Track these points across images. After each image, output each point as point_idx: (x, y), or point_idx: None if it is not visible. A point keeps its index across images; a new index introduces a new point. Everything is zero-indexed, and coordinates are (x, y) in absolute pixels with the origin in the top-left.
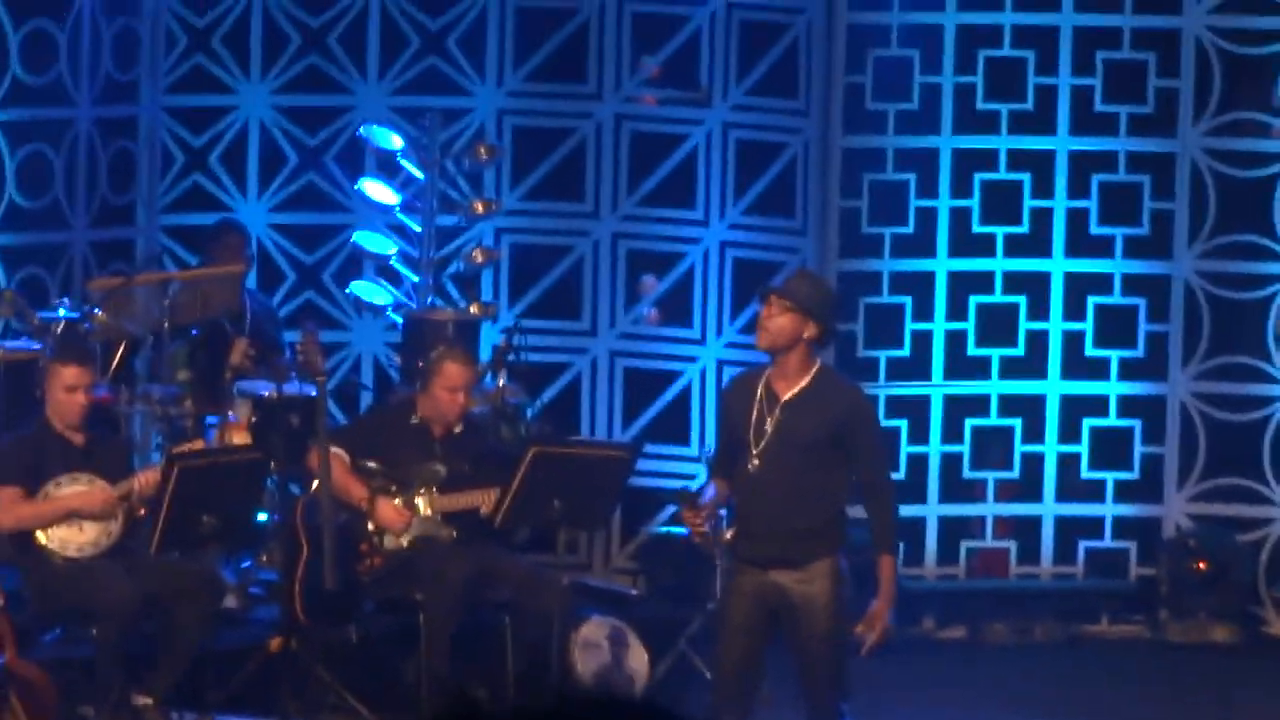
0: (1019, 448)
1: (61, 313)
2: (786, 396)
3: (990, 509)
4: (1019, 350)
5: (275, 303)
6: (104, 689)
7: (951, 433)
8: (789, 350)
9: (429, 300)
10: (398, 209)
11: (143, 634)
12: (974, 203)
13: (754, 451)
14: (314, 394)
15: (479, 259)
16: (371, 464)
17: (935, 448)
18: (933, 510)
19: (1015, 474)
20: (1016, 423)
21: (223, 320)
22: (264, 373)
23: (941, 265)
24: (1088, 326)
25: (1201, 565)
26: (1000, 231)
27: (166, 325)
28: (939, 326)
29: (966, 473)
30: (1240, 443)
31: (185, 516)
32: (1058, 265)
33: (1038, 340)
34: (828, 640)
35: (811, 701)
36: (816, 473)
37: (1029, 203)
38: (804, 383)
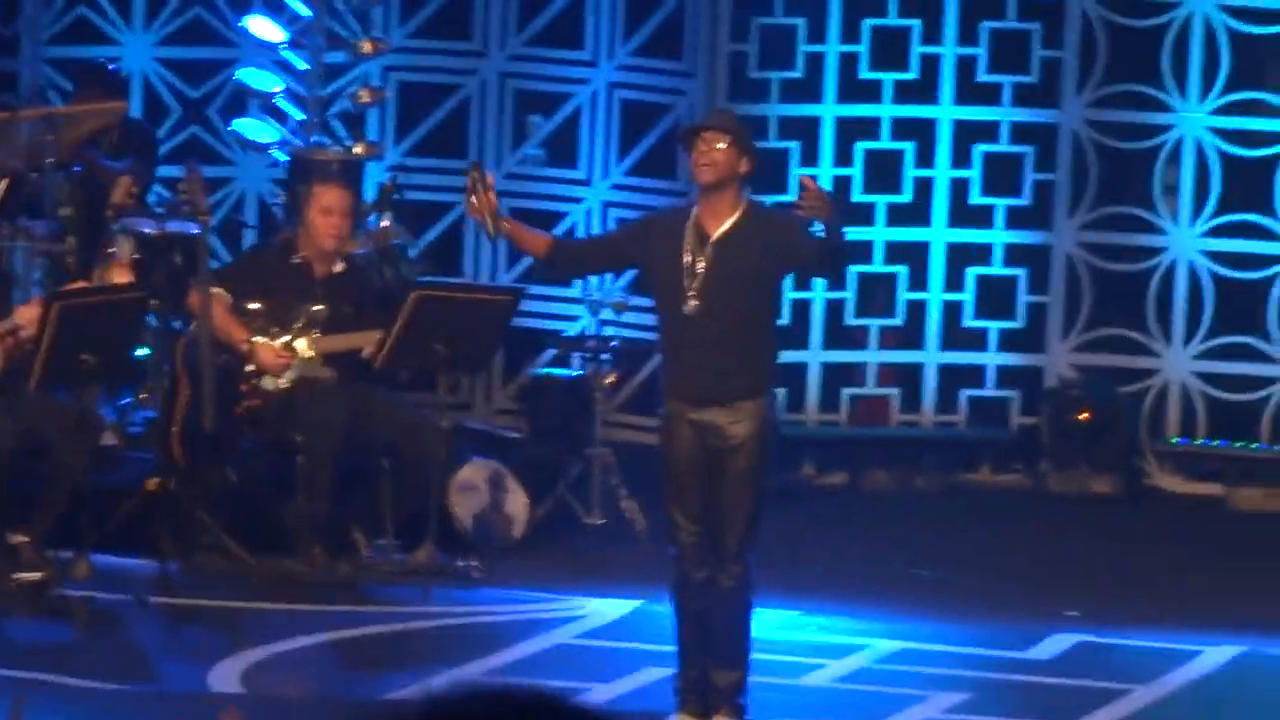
0: (903, 295)
1: None
2: (717, 234)
3: (873, 356)
4: (905, 197)
5: (159, 138)
6: None
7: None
8: (726, 186)
9: (314, 139)
10: (283, 46)
11: (19, 471)
12: (863, 48)
13: (688, 292)
14: (197, 232)
15: (365, 98)
16: (253, 305)
17: (819, 294)
18: (815, 356)
19: (899, 321)
20: (902, 270)
21: (104, 157)
22: (147, 210)
23: (829, 110)
24: (974, 174)
25: (1083, 416)
26: (888, 78)
27: (49, 161)
28: (825, 172)
29: (850, 319)
30: (1125, 294)
31: (65, 354)
32: (945, 112)
33: (924, 187)
34: (747, 480)
35: (721, 544)
36: (753, 309)
37: (918, 49)
38: (735, 218)
